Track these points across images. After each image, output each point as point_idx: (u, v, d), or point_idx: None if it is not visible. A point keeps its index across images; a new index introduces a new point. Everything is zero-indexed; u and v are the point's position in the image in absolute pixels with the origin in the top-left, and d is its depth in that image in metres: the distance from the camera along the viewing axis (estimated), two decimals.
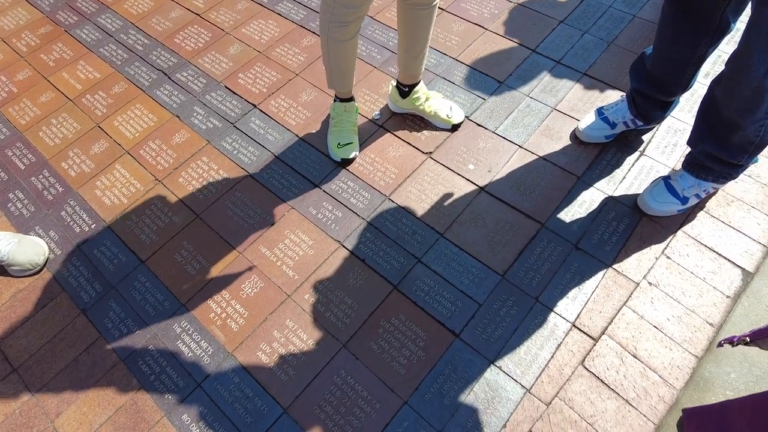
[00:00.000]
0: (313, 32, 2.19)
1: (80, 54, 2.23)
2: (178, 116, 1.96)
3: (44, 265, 1.63)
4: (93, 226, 1.70)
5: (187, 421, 1.34)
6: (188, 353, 1.44)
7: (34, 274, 1.61)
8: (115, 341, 1.48)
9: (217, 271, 1.57)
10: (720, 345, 0.86)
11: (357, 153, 1.77)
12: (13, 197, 1.80)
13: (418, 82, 1.73)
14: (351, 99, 1.73)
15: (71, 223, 1.72)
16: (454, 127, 1.80)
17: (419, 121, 1.84)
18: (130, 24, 2.32)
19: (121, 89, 2.08)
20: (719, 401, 0.80)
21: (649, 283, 1.45)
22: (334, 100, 1.75)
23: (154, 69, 2.13)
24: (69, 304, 1.55)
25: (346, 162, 1.75)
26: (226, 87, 2.03)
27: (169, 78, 2.09)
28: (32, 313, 1.55)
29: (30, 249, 1.59)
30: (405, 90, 1.74)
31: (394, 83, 1.78)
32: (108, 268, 1.61)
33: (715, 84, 1.33)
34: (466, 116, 1.84)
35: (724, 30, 1.34)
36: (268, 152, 1.82)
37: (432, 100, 1.76)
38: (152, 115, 1.98)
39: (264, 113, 1.93)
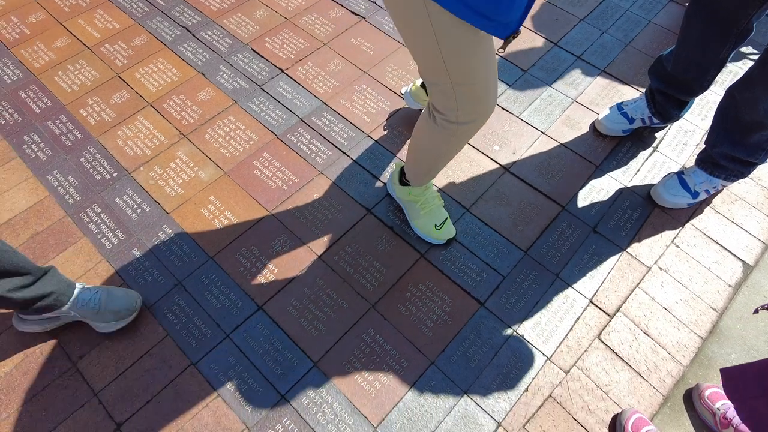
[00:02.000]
0: (341, 5, 2.19)
1: (97, 2, 2.17)
2: (203, 74, 1.94)
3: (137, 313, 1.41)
4: (115, 175, 1.68)
5: (215, 369, 1.35)
6: (216, 305, 1.44)
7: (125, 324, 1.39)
8: (139, 289, 1.46)
9: (245, 227, 1.58)
10: (756, 311, 0.94)
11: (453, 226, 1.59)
12: (29, 140, 1.75)
13: None
14: None
15: (91, 170, 1.69)
16: None
17: None
18: None
19: (142, 42, 2.04)
20: (755, 361, 0.88)
21: (660, 269, 1.55)
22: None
23: (177, 25, 2.10)
24: (90, 250, 1.53)
25: (452, 239, 1.57)
26: (253, 49, 2.02)
27: (194, 35, 2.06)
28: (51, 256, 1.51)
29: (121, 294, 1.38)
30: None
31: (419, 82, 1.72)
32: (131, 217, 1.59)
33: (736, 88, 1.42)
34: None
35: (747, 33, 1.42)
36: (296, 117, 1.83)
37: None
38: (176, 70, 1.95)
39: (291, 78, 1.94)
